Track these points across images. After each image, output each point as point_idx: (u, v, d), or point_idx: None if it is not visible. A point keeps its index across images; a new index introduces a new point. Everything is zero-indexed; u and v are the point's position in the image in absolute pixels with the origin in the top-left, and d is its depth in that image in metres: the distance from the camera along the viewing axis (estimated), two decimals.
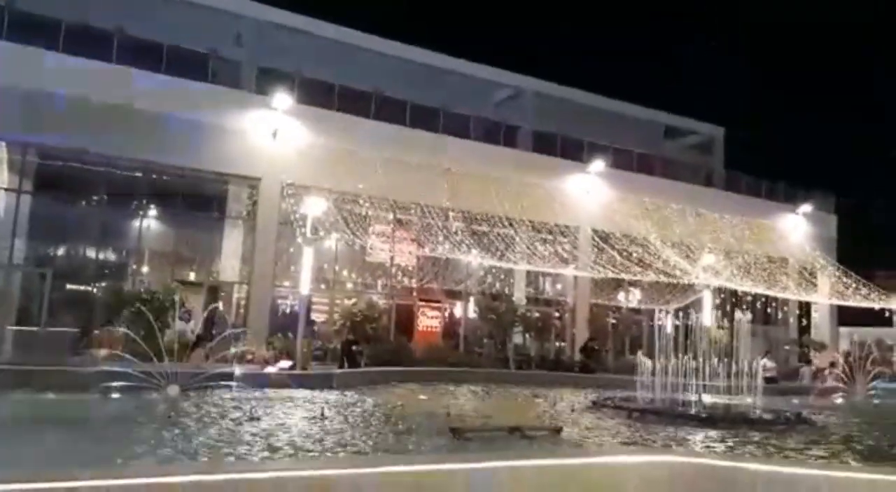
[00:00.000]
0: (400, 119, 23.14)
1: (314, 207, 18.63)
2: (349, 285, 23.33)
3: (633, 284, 27.27)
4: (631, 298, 27.96)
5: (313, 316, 21.39)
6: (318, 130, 21.20)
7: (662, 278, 25.14)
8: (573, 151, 26.79)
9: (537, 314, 24.81)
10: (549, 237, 25.04)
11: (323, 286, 22.18)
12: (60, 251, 20.86)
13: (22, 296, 19.04)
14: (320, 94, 22.02)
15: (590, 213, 26.06)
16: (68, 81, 17.58)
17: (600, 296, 27.01)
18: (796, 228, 31.62)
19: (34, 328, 17.33)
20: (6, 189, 18.82)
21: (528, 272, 25.45)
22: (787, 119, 75.29)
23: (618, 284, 27.18)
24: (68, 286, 19.78)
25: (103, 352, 15.80)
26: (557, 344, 26.27)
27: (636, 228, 26.12)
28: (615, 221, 26.07)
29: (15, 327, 17.59)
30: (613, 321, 26.67)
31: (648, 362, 14.41)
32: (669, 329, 15.03)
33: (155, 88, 18.96)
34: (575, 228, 25.80)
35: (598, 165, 26.23)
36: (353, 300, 21.71)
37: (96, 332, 17.65)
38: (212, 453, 7.34)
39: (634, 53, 72.42)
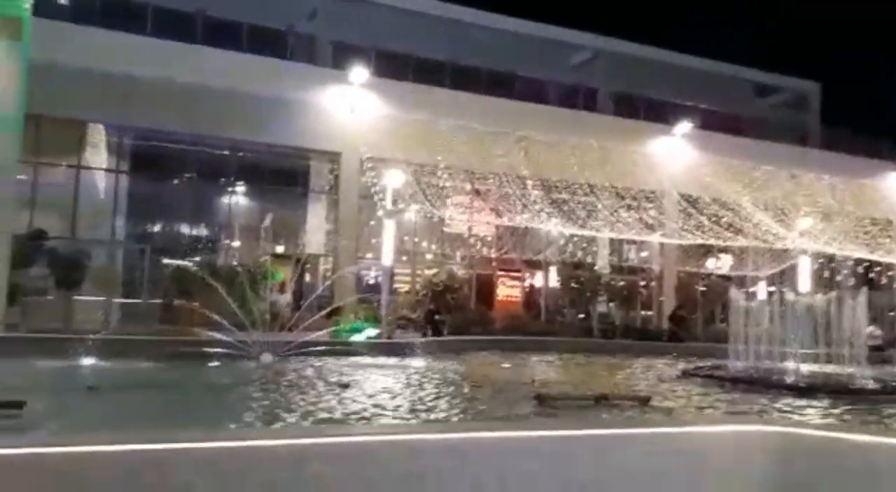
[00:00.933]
0: (475, 87, 22.88)
1: (393, 179, 18.79)
2: (429, 256, 23.51)
3: (723, 250, 26.19)
4: (721, 265, 26.89)
5: (396, 287, 21.75)
6: (394, 102, 21.26)
7: (755, 244, 24.00)
8: (656, 113, 25.79)
9: (622, 283, 24.29)
10: (633, 203, 24.30)
11: (404, 258, 22.45)
12: (157, 228, 21.99)
13: (124, 271, 20.22)
14: (395, 67, 22.07)
15: (676, 177, 25.08)
16: (157, 64, 18.26)
17: (688, 263, 26.11)
18: None
19: (137, 301, 18.46)
20: (106, 170, 19.94)
21: (612, 240, 24.87)
22: (887, 71, 69.73)
23: (707, 251, 26.18)
24: (165, 261, 20.86)
25: (201, 323, 16.60)
26: (643, 313, 25.68)
27: (726, 192, 24.96)
28: (703, 185, 24.97)
29: (120, 300, 18.81)
30: (702, 289, 25.78)
31: (741, 330, 13.84)
32: (763, 296, 14.36)
33: (237, 67, 19.46)
34: (660, 194, 24.93)
35: (684, 126, 25.14)
36: (435, 271, 21.91)
37: (193, 303, 18.55)
38: (306, 418, 7.59)
39: (719, 8, 68.64)
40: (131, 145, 20.50)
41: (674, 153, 25.19)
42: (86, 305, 17.73)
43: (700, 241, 23.99)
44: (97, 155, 20.09)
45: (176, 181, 20.83)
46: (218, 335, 12.56)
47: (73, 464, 3.35)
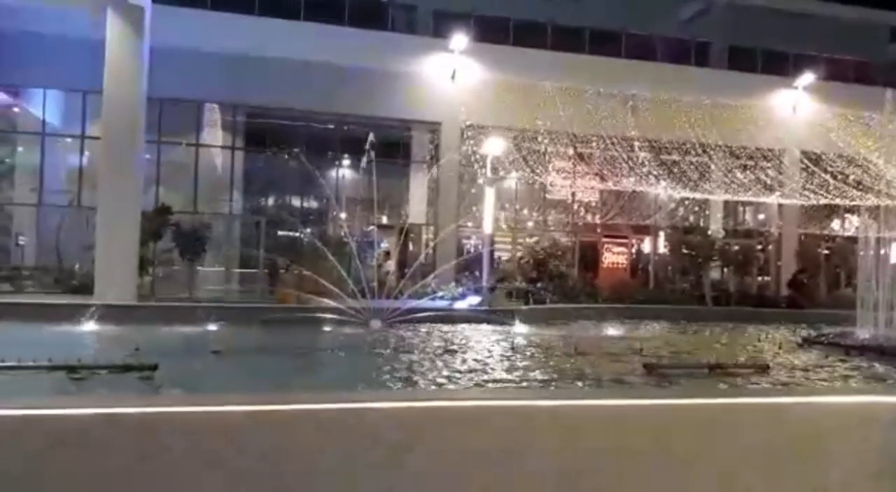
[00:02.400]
0: (578, 47, 22.16)
1: (494, 146, 18.67)
2: (531, 224, 23.30)
3: (849, 210, 24.27)
4: (847, 226, 24.96)
5: (497, 255, 21.76)
6: (494, 67, 21.00)
7: (887, 203, 22.05)
8: (776, 65, 23.94)
9: (737, 247, 23.10)
10: (750, 163, 22.89)
11: (505, 226, 22.36)
12: (270, 201, 23.08)
13: (242, 242, 21.41)
14: (495, 31, 21.71)
15: (797, 133, 23.35)
16: (265, 43, 18.93)
17: (810, 225, 24.41)
18: None
19: (254, 270, 19.55)
20: (222, 147, 21.10)
21: (726, 202, 23.63)
22: None
23: (831, 211, 24.34)
24: (279, 232, 21.88)
25: (312, 290, 17.37)
26: (760, 278, 24.35)
27: (854, 147, 23.00)
28: (828, 141, 23.13)
29: (239, 270, 20.02)
30: (826, 252, 24.07)
31: (870, 296, 12.84)
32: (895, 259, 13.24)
33: (340, 42, 19.82)
34: (780, 152, 23.32)
35: (807, 78, 23.27)
36: (536, 238, 21.72)
37: (305, 272, 19.43)
38: (415, 382, 7.79)
39: None
40: (244, 123, 21.55)
41: (795, 107, 23.44)
42: (208, 275, 19.01)
43: (824, 201, 22.32)
44: (214, 133, 21.28)
45: (286, 156, 21.72)
46: (329, 302, 13.10)
47: (205, 423, 3.58)
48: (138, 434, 3.44)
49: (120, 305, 13.31)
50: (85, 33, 15.63)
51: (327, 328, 12.82)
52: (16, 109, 19.96)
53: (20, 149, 20.14)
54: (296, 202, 22.46)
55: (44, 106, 19.36)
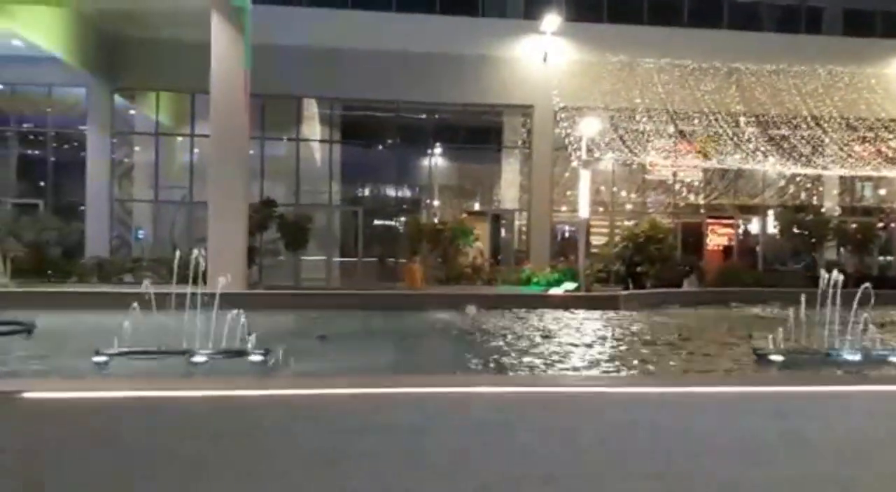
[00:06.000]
0: (676, 20, 21.26)
1: (588, 127, 18.23)
2: (629, 206, 22.64)
3: None
4: None
5: (593, 239, 21.32)
6: (587, 46, 20.48)
7: None
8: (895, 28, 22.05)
9: (854, 225, 21.53)
10: (870, 135, 21.22)
11: (601, 209, 21.84)
12: (366, 191, 23.65)
13: (341, 232, 22.06)
14: (587, 9, 21.18)
15: None
16: (358, 36, 19.32)
17: None
18: None
19: (353, 259, 20.13)
20: (320, 141, 21.80)
21: (842, 178, 22.05)
22: None
23: None
24: (375, 222, 22.38)
25: (410, 277, 17.70)
26: (882, 259, 22.62)
27: None
28: None
29: (339, 259, 20.71)
30: None
31: None
32: None
33: (432, 30, 19.91)
34: None
35: None
36: (635, 221, 21.08)
37: (402, 260, 19.80)
38: (515, 369, 7.77)
39: None
40: (340, 116, 22.15)
41: None
42: (311, 264, 19.74)
43: None
44: (312, 127, 21.99)
45: (380, 147, 22.18)
46: (423, 290, 13.30)
47: (314, 404, 3.73)
48: (249, 415, 3.61)
49: (231, 293, 14.04)
50: (193, 37, 16.47)
51: (422, 314, 13.02)
52: (132, 112, 21.37)
53: (137, 148, 21.57)
54: (391, 192, 22.92)
55: (157, 107, 20.62)
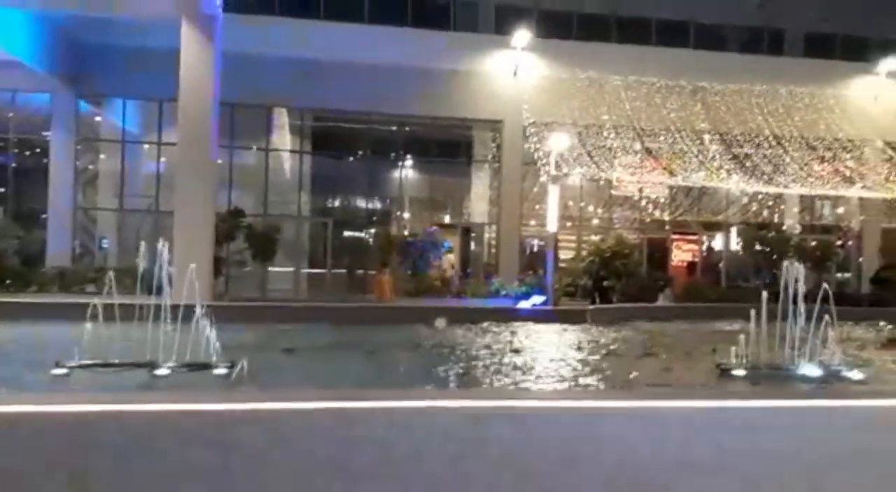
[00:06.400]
0: (644, 39, 21.71)
1: (557, 143, 18.45)
2: (596, 221, 22.92)
3: None
4: None
5: (561, 253, 21.49)
6: (557, 62, 20.77)
7: None
8: (857, 51, 22.79)
9: (814, 243, 22.11)
10: (828, 154, 21.85)
11: (569, 224, 22.06)
12: (336, 202, 23.54)
13: (310, 243, 21.89)
14: (557, 25, 21.49)
15: (880, 122, 22.13)
16: (329, 47, 19.28)
17: (894, 218, 23.10)
18: None
19: (323, 270, 19.97)
20: (290, 151, 21.64)
21: (802, 197, 22.64)
22: None
23: None
24: (345, 233, 22.28)
25: (378, 289, 17.63)
26: (839, 275, 23.23)
27: None
28: None
29: (308, 270, 20.52)
30: None
31: None
32: None
33: (403, 43, 19.97)
34: (861, 142, 22.18)
35: (889, 64, 22.06)
36: (601, 236, 21.34)
37: (372, 272, 19.71)
38: (487, 382, 7.78)
39: None
40: (311, 126, 22.02)
41: (877, 96, 22.24)
42: (279, 275, 19.53)
43: None
44: (282, 137, 21.84)
45: (351, 158, 22.12)
46: (393, 302, 13.24)
47: (275, 419, 3.69)
48: (217, 427, 3.56)
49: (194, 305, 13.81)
50: (161, 44, 16.28)
51: (391, 327, 12.96)
52: (98, 119, 20.99)
53: (102, 156, 21.16)
54: (361, 203, 22.86)
55: (123, 114, 20.30)
